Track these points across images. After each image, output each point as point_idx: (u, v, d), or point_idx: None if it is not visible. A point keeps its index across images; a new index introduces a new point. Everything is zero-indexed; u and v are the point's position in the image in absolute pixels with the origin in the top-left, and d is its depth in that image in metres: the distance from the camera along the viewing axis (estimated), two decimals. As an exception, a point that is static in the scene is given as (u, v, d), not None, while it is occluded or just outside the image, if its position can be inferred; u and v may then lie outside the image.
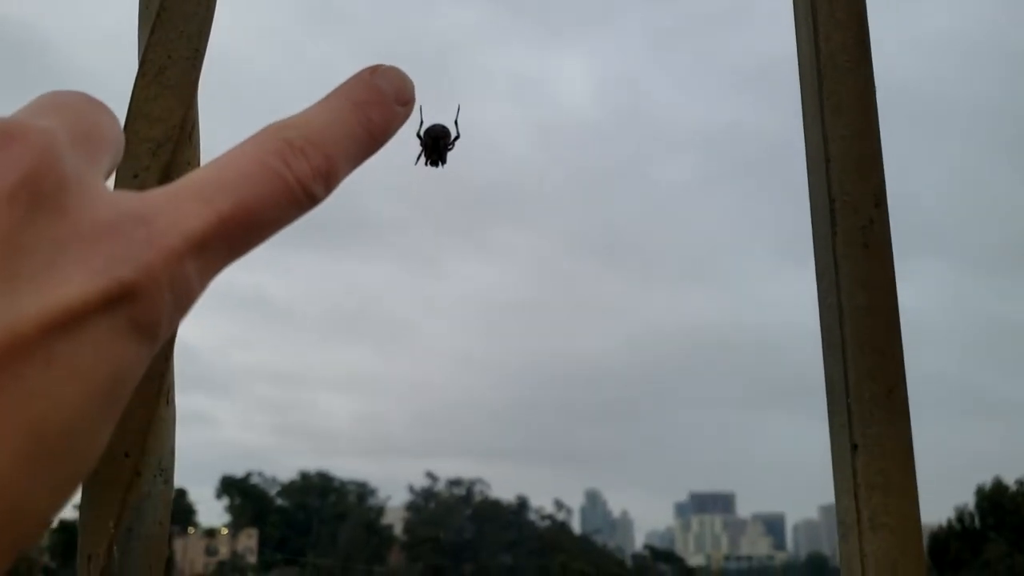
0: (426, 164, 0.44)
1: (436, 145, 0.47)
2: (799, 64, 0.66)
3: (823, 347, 0.61)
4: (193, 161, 0.60)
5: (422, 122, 0.50)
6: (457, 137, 0.50)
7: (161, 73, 0.58)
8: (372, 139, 0.34)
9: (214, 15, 0.60)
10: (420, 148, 0.47)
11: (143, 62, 0.59)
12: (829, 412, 0.60)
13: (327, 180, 0.32)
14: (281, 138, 0.32)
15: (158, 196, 0.29)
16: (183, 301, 0.29)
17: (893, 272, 0.60)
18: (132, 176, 0.58)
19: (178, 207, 0.28)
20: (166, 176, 0.58)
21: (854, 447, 0.56)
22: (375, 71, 0.36)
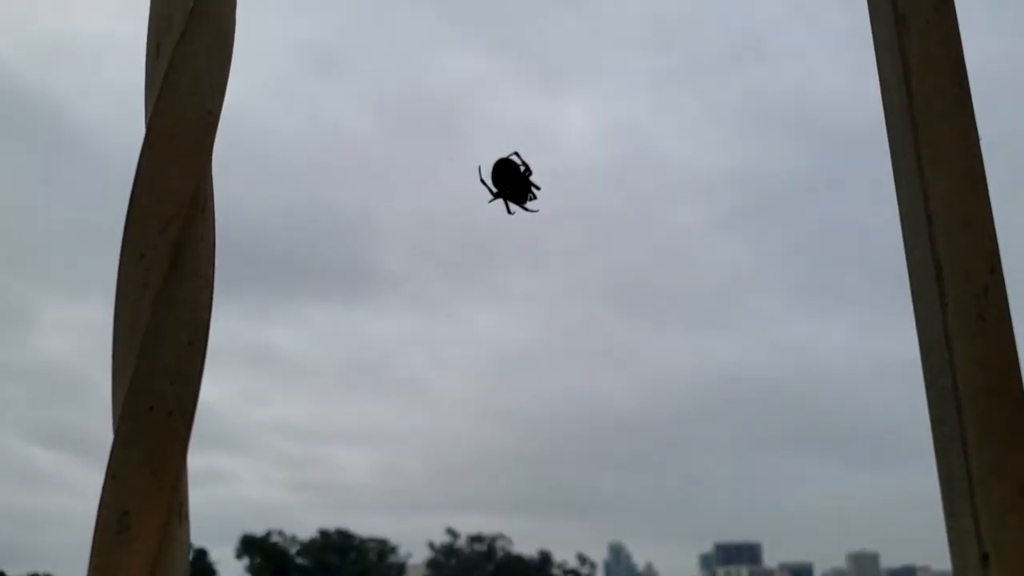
0: (520, 204, 0.36)
1: (513, 178, 0.39)
2: (886, 111, 0.59)
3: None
4: (207, 236, 0.53)
5: (480, 169, 0.43)
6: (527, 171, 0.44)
7: (169, 140, 0.51)
8: None
9: (230, 71, 0.54)
10: (496, 193, 0.40)
11: (149, 129, 0.52)
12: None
13: None
14: None
15: None
16: None
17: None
18: (139, 256, 0.51)
19: None
20: (176, 255, 0.51)
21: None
22: None
